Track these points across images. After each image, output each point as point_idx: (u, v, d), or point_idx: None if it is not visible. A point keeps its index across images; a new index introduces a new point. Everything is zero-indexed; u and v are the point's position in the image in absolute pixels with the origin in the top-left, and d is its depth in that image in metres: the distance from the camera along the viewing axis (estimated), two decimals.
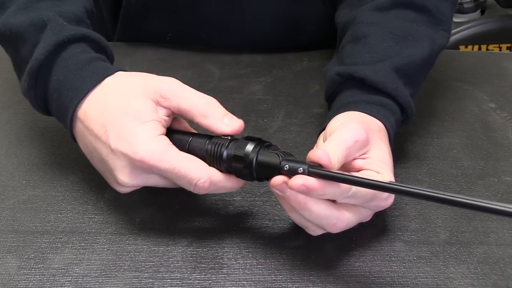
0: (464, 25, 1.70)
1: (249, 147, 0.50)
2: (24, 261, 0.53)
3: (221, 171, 0.52)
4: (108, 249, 0.55)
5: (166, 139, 0.53)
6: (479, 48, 1.71)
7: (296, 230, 0.55)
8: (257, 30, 0.86)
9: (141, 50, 0.87)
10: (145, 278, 0.52)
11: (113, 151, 0.52)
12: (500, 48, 1.72)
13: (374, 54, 0.62)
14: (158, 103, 0.53)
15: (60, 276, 0.52)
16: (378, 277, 0.52)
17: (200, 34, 0.86)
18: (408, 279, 0.52)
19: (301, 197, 0.48)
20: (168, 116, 0.54)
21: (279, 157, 0.49)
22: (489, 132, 0.71)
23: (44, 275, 0.52)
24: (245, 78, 0.81)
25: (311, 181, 0.46)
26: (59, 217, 0.58)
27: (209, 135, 0.53)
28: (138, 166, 0.51)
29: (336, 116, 0.57)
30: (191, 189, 0.52)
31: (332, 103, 0.63)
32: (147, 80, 0.55)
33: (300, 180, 0.47)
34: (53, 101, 0.58)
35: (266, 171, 0.50)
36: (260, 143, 0.51)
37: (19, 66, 0.61)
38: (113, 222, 0.58)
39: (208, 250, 0.55)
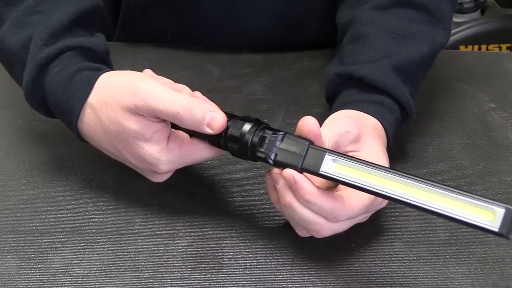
0: (464, 25, 1.70)
1: (246, 127, 0.51)
2: (24, 261, 0.54)
3: (219, 146, 0.53)
4: (108, 249, 0.55)
5: (177, 139, 0.54)
6: (479, 48, 1.71)
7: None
8: (257, 29, 0.86)
9: (141, 50, 0.87)
10: (145, 278, 0.52)
11: (135, 165, 0.55)
12: (500, 48, 1.72)
13: (373, 53, 0.61)
14: (139, 115, 0.52)
15: (60, 276, 0.52)
16: (378, 277, 0.52)
17: (200, 34, 0.87)
18: (408, 279, 0.52)
19: (288, 195, 0.49)
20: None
21: (269, 158, 0.50)
22: (489, 132, 0.71)
23: (44, 275, 0.52)
24: (245, 78, 0.81)
25: (300, 176, 0.48)
26: (59, 217, 0.58)
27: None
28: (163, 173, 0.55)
29: (331, 115, 0.58)
30: None
31: (332, 104, 0.63)
32: (119, 94, 0.52)
33: (291, 171, 0.48)
34: (58, 118, 0.59)
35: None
36: (257, 123, 0.51)
37: (16, 82, 0.62)
38: (113, 222, 0.58)
39: (208, 250, 0.55)
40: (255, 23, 0.85)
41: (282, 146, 0.49)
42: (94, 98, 0.54)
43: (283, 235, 0.56)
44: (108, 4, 0.88)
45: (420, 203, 0.43)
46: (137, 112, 0.51)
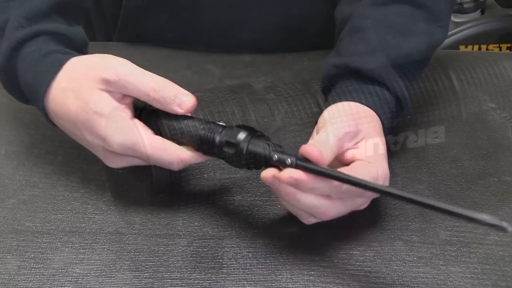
0: (464, 25, 1.70)
1: (241, 135, 0.51)
2: (24, 261, 0.53)
3: (212, 155, 0.53)
4: (108, 249, 0.55)
5: (136, 125, 0.53)
6: (479, 48, 1.71)
7: (296, 231, 0.56)
8: (259, 31, 0.85)
9: (141, 50, 0.87)
10: (145, 278, 0.52)
11: (90, 143, 0.55)
12: (500, 48, 1.71)
13: (371, 47, 0.62)
14: (107, 90, 0.53)
15: (60, 276, 0.52)
16: (378, 277, 0.52)
17: (201, 34, 0.86)
18: (408, 279, 0.52)
19: (290, 189, 0.49)
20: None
21: (269, 147, 0.51)
22: (489, 132, 0.71)
23: (44, 275, 0.52)
24: (245, 78, 0.81)
25: (299, 174, 0.48)
26: (59, 217, 0.58)
27: (201, 119, 0.54)
28: (116, 154, 0.54)
29: (328, 108, 0.58)
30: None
31: (328, 94, 0.64)
32: (90, 69, 0.54)
33: (288, 172, 0.48)
34: (30, 101, 0.60)
35: (256, 160, 0.51)
36: (252, 132, 0.52)
37: None
38: (113, 222, 0.58)
39: (208, 250, 0.55)
40: (257, 24, 0.85)
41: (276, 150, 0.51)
42: (62, 77, 0.55)
43: (283, 235, 0.56)
44: (108, 4, 0.88)
45: (418, 198, 0.44)
46: (107, 88, 0.52)
